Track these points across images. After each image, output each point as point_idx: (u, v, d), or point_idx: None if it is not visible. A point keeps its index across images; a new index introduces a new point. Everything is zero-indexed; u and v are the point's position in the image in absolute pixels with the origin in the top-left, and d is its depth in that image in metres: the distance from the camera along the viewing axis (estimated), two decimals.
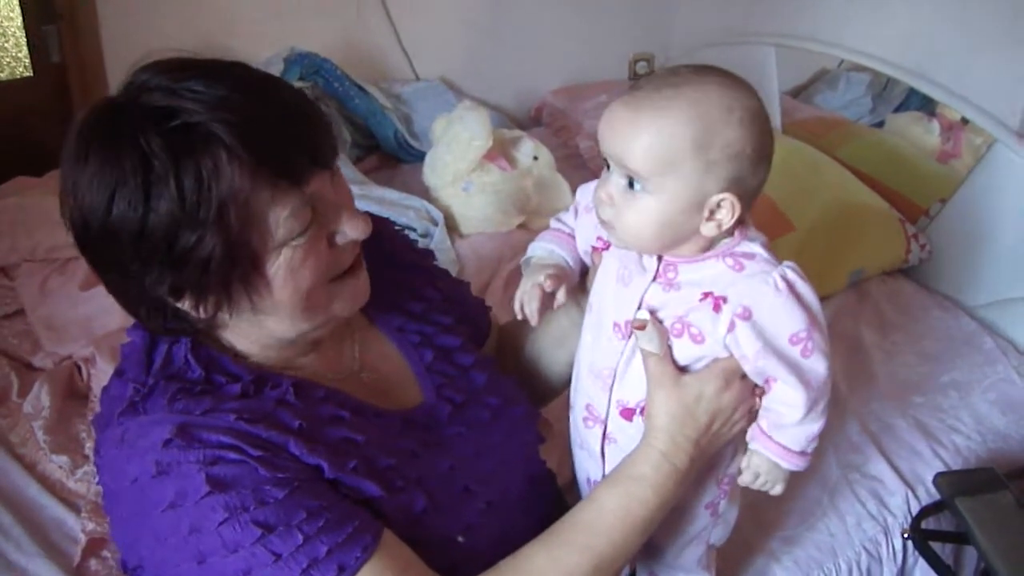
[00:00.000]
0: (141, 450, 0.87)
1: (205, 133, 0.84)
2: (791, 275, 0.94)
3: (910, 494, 1.68)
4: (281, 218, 0.88)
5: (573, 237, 1.14)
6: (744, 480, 1.05)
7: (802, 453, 1.01)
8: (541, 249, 1.15)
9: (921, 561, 1.59)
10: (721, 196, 0.93)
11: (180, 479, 0.85)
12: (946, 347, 2.11)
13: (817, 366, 0.96)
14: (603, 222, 0.99)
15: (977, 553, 1.46)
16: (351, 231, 0.95)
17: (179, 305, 0.90)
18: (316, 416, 0.95)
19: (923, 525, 1.57)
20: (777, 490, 1.04)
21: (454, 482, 1.02)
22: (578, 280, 1.15)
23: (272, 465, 0.87)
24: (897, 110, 3.32)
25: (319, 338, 1.04)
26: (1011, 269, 2.19)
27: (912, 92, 3.16)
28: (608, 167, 0.96)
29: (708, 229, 0.95)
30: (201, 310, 0.90)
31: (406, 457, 0.99)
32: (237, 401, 0.92)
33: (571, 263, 1.13)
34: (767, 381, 0.99)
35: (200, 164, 0.83)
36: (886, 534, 1.63)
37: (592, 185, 1.09)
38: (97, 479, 1.43)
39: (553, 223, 1.17)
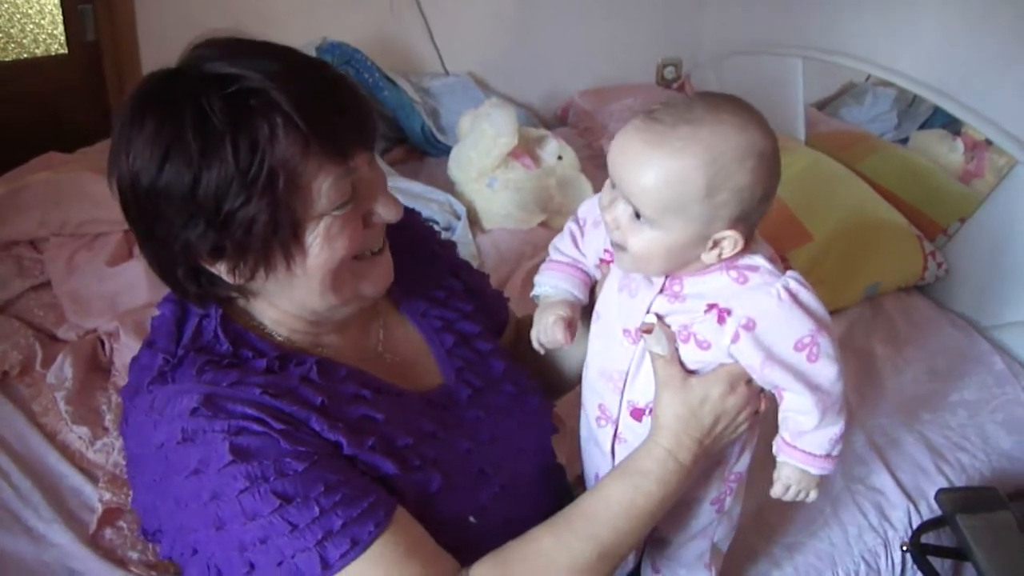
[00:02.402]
0: (168, 417, 0.89)
1: (265, 99, 0.86)
2: (793, 285, 0.95)
3: (912, 508, 1.69)
4: (324, 187, 0.90)
5: (573, 265, 1.15)
6: (776, 492, 1.05)
7: (827, 456, 1.02)
8: (548, 287, 1.14)
9: (919, 575, 1.60)
10: (726, 233, 0.94)
11: (204, 447, 0.87)
12: (957, 365, 2.11)
13: (825, 370, 0.97)
14: (614, 244, 1.00)
15: (975, 570, 1.47)
16: (385, 212, 0.98)
17: (214, 270, 0.93)
18: (338, 394, 0.98)
19: (923, 540, 1.58)
20: (811, 497, 1.05)
21: (470, 464, 1.04)
22: (587, 302, 1.15)
23: (293, 439, 0.90)
24: (923, 127, 3.29)
25: (346, 319, 1.06)
26: None
27: (938, 109, 3.13)
28: (614, 185, 0.97)
29: (709, 258, 0.96)
30: (237, 274, 0.92)
31: (424, 437, 1.01)
32: (262, 376, 0.94)
33: (579, 294, 1.14)
34: (777, 389, 1.00)
35: (257, 129, 0.86)
36: (886, 546, 1.64)
37: (595, 200, 1.09)
38: (120, 448, 1.46)
39: (552, 253, 1.17)
